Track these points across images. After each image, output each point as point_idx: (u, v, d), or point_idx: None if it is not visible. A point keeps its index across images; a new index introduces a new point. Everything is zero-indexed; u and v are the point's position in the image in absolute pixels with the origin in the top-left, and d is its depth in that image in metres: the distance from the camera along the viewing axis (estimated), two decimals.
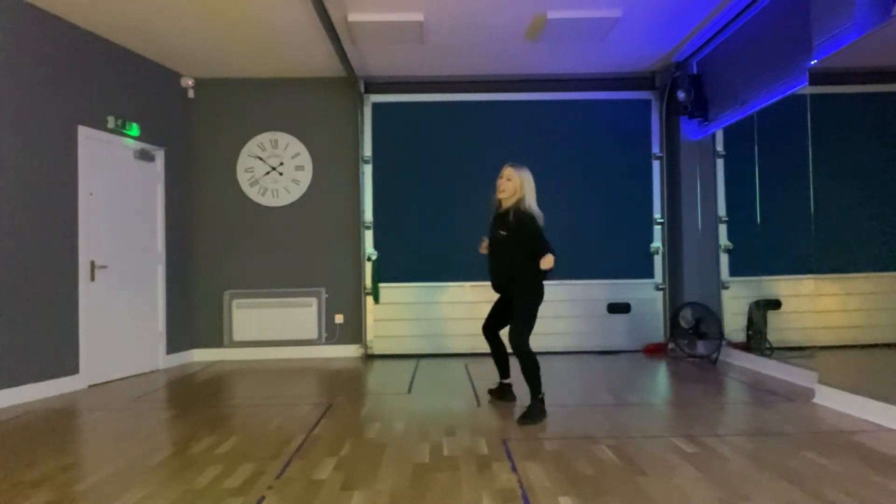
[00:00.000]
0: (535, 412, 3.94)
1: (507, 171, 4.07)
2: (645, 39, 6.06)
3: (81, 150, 5.46)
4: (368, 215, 7.00)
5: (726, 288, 6.29)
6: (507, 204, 4.08)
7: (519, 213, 3.99)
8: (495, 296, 4.39)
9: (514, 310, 4.08)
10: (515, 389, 4.52)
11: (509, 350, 4.19)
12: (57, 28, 5.26)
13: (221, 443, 3.57)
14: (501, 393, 4.53)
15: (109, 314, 5.75)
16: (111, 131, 5.80)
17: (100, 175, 5.68)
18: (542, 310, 4.12)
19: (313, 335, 6.93)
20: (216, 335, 6.91)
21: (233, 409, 4.54)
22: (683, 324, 6.36)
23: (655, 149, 7.07)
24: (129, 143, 6.03)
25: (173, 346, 6.54)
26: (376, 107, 7.07)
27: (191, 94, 6.87)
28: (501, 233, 4.05)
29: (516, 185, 4.03)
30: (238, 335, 6.87)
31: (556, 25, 5.53)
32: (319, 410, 4.37)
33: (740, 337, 5.95)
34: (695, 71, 6.55)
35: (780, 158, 5.29)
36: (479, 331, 4.46)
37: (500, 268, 4.14)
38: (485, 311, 4.49)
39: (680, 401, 4.53)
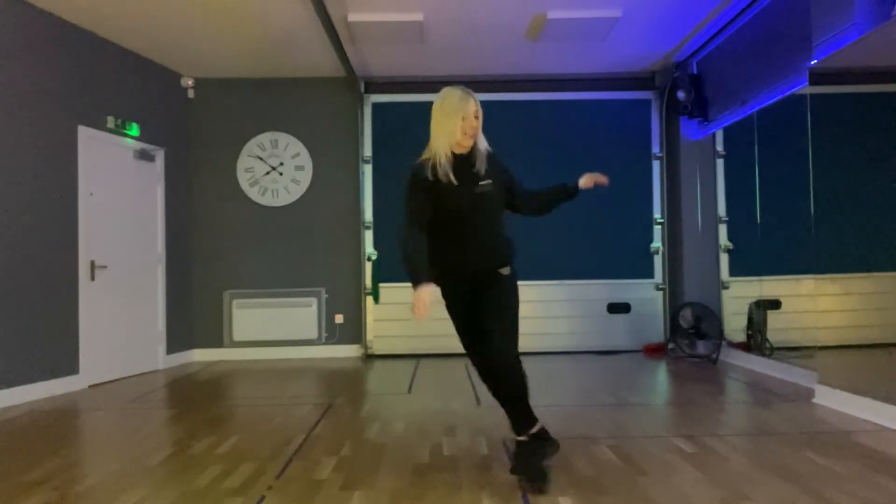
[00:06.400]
0: (538, 461, 2.79)
1: (477, 105, 2.87)
2: (645, 39, 6.06)
3: (81, 150, 5.46)
4: (368, 215, 7.00)
5: (726, 288, 6.29)
6: (464, 150, 2.88)
7: (490, 152, 2.92)
8: None
9: (501, 304, 2.83)
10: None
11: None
12: (57, 28, 5.26)
13: (221, 443, 3.57)
14: (535, 454, 2.84)
15: (109, 314, 5.74)
16: (111, 131, 5.80)
17: (100, 175, 5.68)
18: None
19: (313, 335, 6.93)
20: (216, 335, 6.91)
21: (233, 409, 4.54)
22: (683, 324, 6.36)
23: (655, 149, 7.07)
24: (129, 143, 6.03)
25: (173, 346, 6.53)
26: (376, 107, 7.07)
27: (191, 94, 6.88)
28: (484, 183, 2.80)
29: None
30: (238, 335, 6.87)
31: (556, 25, 5.53)
32: (319, 410, 4.37)
33: (740, 337, 5.95)
34: (695, 71, 6.55)
35: (780, 158, 5.29)
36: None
37: (491, 239, 2.85)
38: None
39: (680, 401, 4.53)
